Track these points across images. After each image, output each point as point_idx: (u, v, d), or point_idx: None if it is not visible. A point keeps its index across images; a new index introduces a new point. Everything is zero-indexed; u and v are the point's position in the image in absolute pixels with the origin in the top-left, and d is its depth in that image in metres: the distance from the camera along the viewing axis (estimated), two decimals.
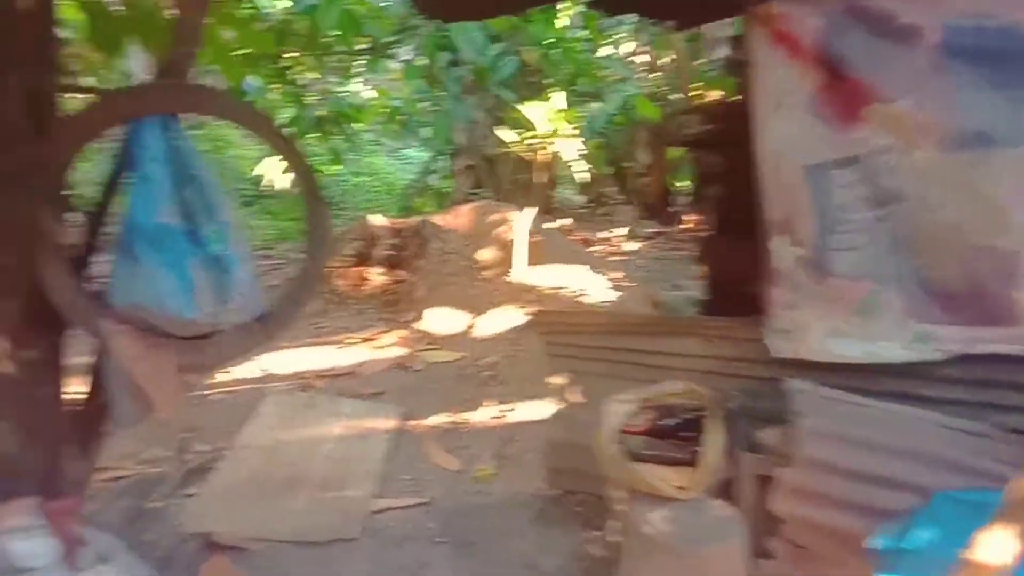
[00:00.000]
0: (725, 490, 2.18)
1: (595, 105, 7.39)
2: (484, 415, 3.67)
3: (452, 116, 7.16)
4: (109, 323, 1.80)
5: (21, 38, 1.75)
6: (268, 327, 1.93)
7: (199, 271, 1.77)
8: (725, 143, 2.90)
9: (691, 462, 2.13)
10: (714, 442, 2.13)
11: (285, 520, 2.74)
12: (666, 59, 8.47)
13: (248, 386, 3.70)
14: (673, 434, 2.25)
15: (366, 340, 4.62)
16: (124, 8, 2.43)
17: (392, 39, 6.98)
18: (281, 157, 1.92)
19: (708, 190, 3.27)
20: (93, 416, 2.09)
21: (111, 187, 1.88)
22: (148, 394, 1.89)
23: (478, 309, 4.66)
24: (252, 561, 2.52)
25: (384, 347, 4.55)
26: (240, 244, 1.86)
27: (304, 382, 3.98)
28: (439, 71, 6.95)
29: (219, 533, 2.60)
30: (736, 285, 2.56)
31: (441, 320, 4.68)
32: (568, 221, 7.73)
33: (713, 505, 2.09)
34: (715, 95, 7.04)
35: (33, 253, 1.75)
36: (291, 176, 6.85)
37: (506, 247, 5.05)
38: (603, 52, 7.94)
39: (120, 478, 2.95)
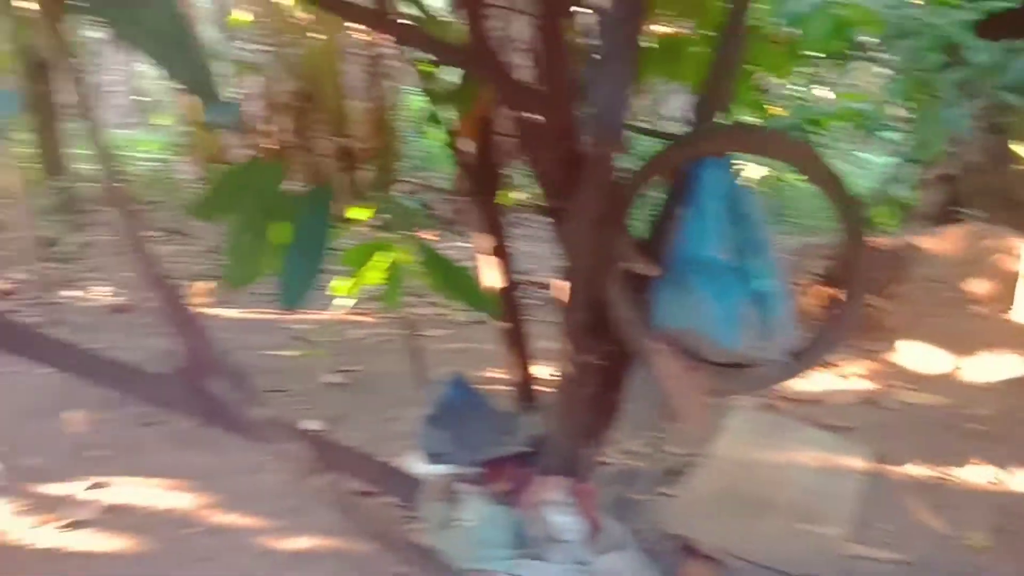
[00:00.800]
0: None
1: None
2: (975, 475, 3.24)
3: (938, 122, 6.40)
4: (654, 341, 2.00)
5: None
6: (801, 364, 1.95)
7: (745, 305, 1.87)
8: None
9: None
10: None
11: (757, 541, 2.78)
12: None
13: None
14: None
15: (829, 366, 4.42)
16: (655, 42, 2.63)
17: (874, 41, 6.49)
18: (831, 200, 1.90)
19: None
20: (610, 411, 2.37)
21: (665, 219, 2.07)
22: (675, 408, 2.07)
23: (967, 350, 4.12)
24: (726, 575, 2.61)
25: (849, 376, 4.31)
26: (782, 282, 1.91)
27: (767, 402, 3.96)
28: (929, 73, 6.27)
29: (696, 540, 2.74)
30: None
31: (919, 356, 4.25)
32: None
33: None
34: None
35: (600, 275, 2.03)
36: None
37: (1007, 280, 4.36)
38: None
39: (606, 464, 3.29)
